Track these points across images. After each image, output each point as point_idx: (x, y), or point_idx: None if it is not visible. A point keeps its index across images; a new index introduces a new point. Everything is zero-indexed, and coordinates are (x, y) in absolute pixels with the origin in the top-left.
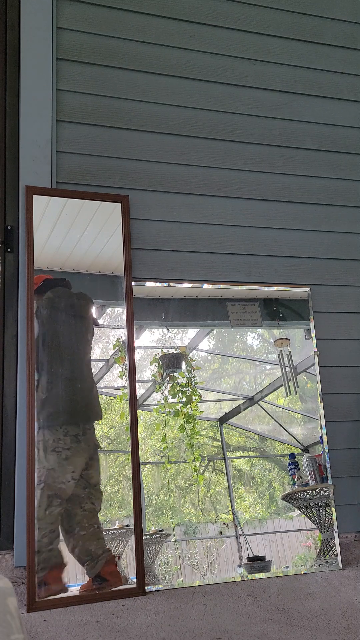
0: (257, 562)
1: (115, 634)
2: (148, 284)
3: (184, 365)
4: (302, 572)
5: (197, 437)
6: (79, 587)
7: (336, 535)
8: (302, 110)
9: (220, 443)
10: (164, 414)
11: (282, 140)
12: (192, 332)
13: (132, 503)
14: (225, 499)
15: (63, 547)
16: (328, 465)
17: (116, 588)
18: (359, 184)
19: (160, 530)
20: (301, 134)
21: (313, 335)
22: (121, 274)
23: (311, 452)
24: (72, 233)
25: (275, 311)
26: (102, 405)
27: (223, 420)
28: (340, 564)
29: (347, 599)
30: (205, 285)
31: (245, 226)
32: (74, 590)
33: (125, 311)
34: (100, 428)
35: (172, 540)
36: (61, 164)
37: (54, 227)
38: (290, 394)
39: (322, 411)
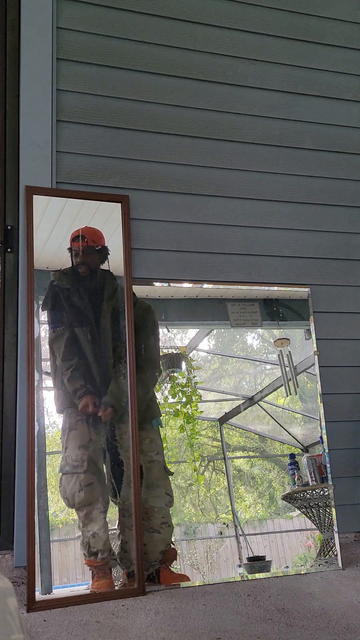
0: (257, 562)
1: (115, 634)
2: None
3: (184, 365)
4: (302, 572)
5: (197, 437)
6: (80, 587)
7: (336, 535)
8: (302, 110)
9: (220, 443)
10: (164, 414)
11: (282, 140)
12: (192, 332)
13: (132, 503)
14: (225, 499)
15: None
16: (328, 465)
17: (116, 588)
18: (359, 184)
19: None
20: (301, 134)
21: (313, 335)
22: (121, 274)
23: (311, 452)
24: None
25: (275, 311)
26: None
27: (223, 420)
28: (340, 564)
29: (347, 599)
30: (205, 285)
31: (245, 226)
32: (75, 590)
33: (125, 311)
34: None
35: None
36: (61, 164)
37: (54, 227)
38: (290, 394)
39: (322, 411)
